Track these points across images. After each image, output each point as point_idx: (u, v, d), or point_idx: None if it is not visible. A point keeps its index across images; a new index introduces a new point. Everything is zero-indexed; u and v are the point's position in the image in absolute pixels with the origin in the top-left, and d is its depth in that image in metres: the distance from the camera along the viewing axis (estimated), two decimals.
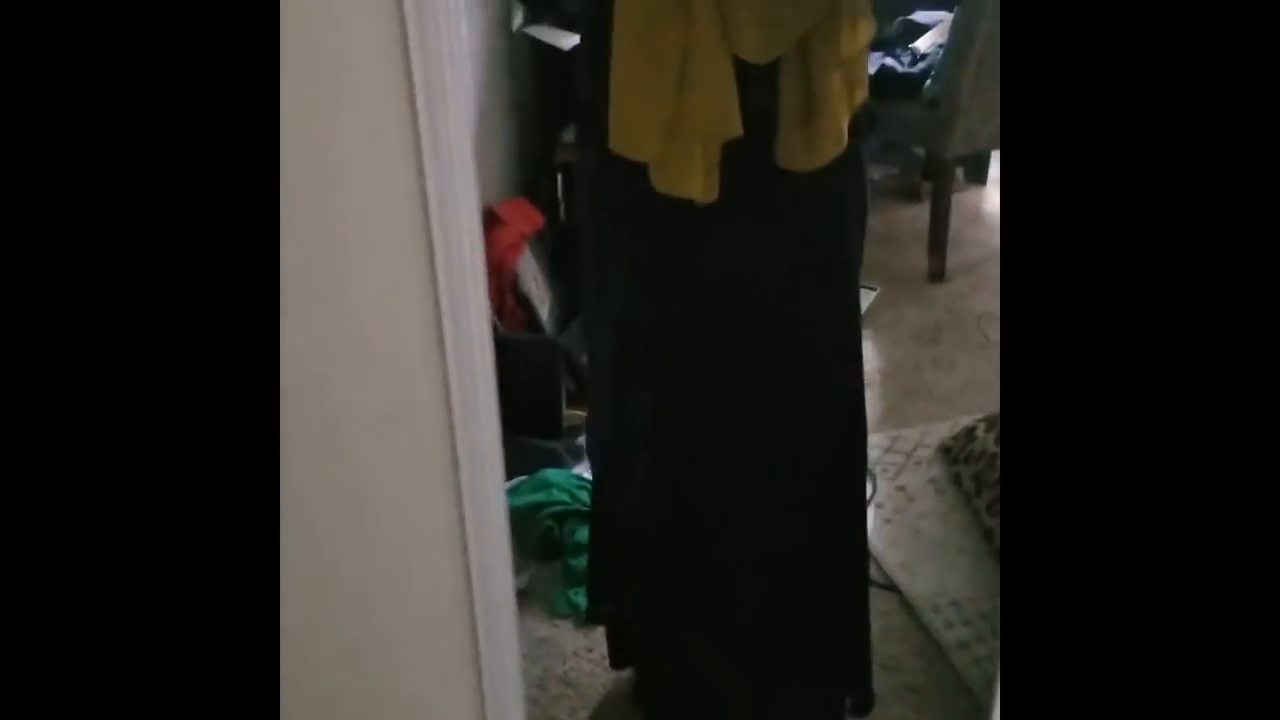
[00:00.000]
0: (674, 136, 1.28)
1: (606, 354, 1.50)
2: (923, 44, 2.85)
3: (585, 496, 1.85)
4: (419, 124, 0.87)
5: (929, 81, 2.72)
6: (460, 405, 0.98)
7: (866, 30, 1.32)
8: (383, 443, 1.02)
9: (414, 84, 0.83)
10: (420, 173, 0.88)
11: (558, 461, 2.01)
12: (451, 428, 1.00)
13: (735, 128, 1.26)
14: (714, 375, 1.41)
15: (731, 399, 1.43)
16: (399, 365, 0.98)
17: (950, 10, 2.71)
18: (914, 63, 2.80)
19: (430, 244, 0.90)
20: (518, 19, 2.51)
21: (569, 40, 2.42)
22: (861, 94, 1.34)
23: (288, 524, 0.89)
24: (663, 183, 1.30)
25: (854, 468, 1.51)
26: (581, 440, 2.06)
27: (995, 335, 2.51)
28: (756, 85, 1.27)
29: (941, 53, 2.71)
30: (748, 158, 1.28)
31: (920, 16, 2.89)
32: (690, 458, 1.46)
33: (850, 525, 1.52)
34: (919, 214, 3.08)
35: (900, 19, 2.82)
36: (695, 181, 1.29)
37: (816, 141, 1.29)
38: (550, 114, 2.57)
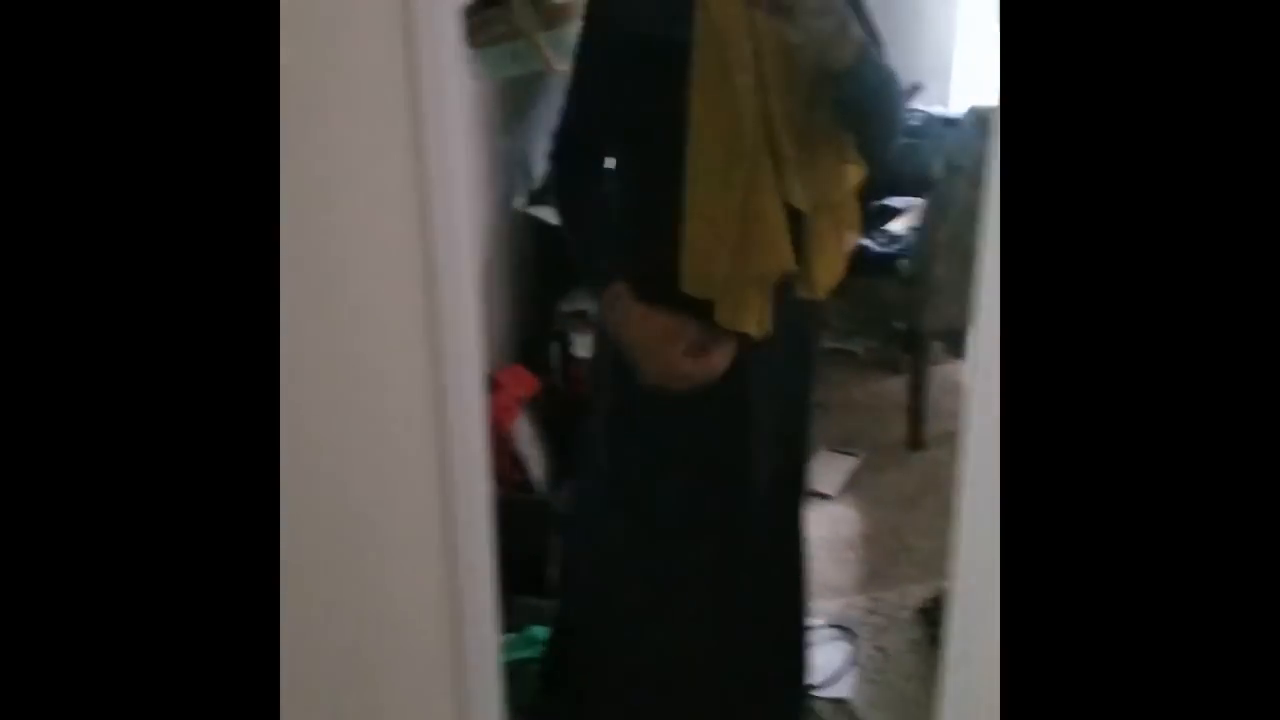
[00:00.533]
0: (734, 277, 1.49)
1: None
2: (897, 226, 3.04)
3: None
4: (436, 294, 0.99)
5: (903, 260, 2.89)
6: (462, 557, 1.07)
7: (855, 175, 1.57)
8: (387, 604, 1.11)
9: (434, 263, 0.96)
10: (432, 343, 1.00)
11: (544, 619, 2.07)
12: (456, 578, 1.09)
13: (790, 262, 1.50)
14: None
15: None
16: (399, 527, 1.08)
17: (922, 196, 2.92)
18: (889, 243, 2.99)
19: (444, 412, 1.01)
20: (520, 200, 2.69)
21: None
22: (856, 235, 1.62)
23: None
24: (726, 319, 1.52)
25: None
26: None
27: None
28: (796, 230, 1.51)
29: (915, 234, 2.90)
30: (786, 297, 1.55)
31: (894, 201, 3.10)
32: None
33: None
34: (899, 386, 3.21)
35: (876, 203, 3.01)
36: (755, 316, 1.52)
37: (823, 276, 1.56)
38: (548, 287, 2.73)
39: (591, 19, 1.58)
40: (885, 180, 3.09)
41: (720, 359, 1.53)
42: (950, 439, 3.11)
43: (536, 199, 2.72)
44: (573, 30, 2.29)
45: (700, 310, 1.52)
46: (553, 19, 2.29)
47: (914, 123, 3.14)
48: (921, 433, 3.01)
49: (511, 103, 2.63)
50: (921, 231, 2.86)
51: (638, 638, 1.72)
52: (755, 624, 1.74)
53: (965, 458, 1.02)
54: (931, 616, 2.20)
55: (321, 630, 1.15)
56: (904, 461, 2.93)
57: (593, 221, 1.60)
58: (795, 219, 1.50)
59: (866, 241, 3.00)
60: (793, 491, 1.72)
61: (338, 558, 1.14)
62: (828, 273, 1.56)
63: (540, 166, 2.79)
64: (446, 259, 0.97)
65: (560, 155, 1.63)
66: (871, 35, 1.50)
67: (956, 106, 3.32)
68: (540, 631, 1.97)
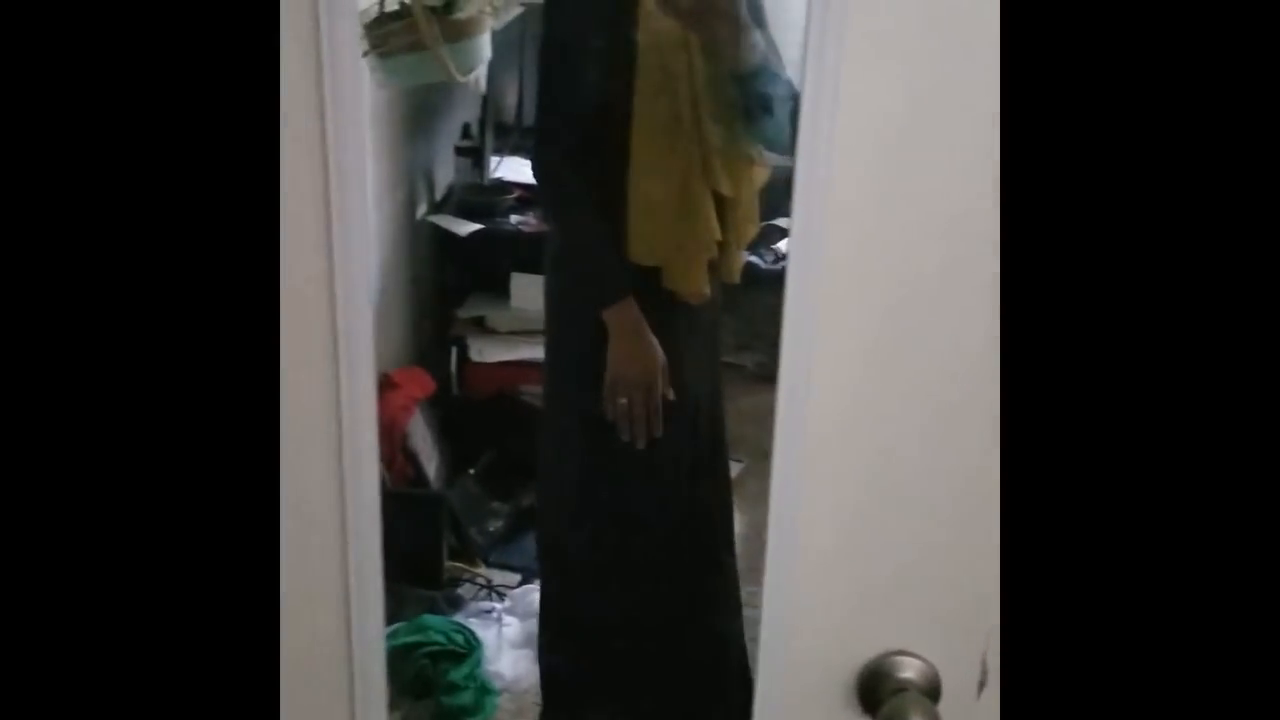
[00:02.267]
0: (678, 246, 1.74)
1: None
2: (784, 245, 3.20)
3: (460, 639, 2.00)
4: (334, 293, 1.08)
5: None
6: (354, 549, 1.16)
7: (763, 175, 1.84)
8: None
9: (334, 265, 1.05)
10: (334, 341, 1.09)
11: (436, 610, 2.16)
12: (345, 564, 1.17)
13: (718, 235, 1.75)
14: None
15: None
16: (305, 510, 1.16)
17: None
18: (776, 261, 3.15)
19: (338, 405, 1.10)
20: (421, 208, 2.78)
21: (466, 227, 2.69)
22: (756, 230, 1.90)
23: None
24: (673, 283, 1.76)
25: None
26: (460, 590, 2.22)
27: None
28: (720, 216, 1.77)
29: None
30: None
31: (782, 221, 3.26)
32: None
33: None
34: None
35: (764, 223, 3.16)
36: (695, 280, 1.76)
37: (736, 268, 1.85)
38: (447, 293, 2.82)
39: (550, 25, 1.79)
40: (774, 201, 3.27)
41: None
42: None
43: (437, 208, 2.81)
44: (476, 43, 2.40)
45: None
46: (455, 33, 2.38)
47: None
48: None
49: (417, 115, 2.71)
50: None
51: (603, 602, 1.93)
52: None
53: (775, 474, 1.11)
54: None
55: None
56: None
57: (594, 224, 1.78)
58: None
59: (754, 259, 3.15)
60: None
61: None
62: (738, 260, 1.84)
63: (443, 175, 2.88)
64: (345, 259, 1.06)
65: (545, 164, 1.83)
66: (771, 44, 1.72)
67: None
68: (430, 620, 2.06)
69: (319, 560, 1.19)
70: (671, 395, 1.77)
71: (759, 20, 1.71)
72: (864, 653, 1.12)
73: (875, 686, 1.07)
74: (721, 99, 1.70)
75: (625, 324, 1.73)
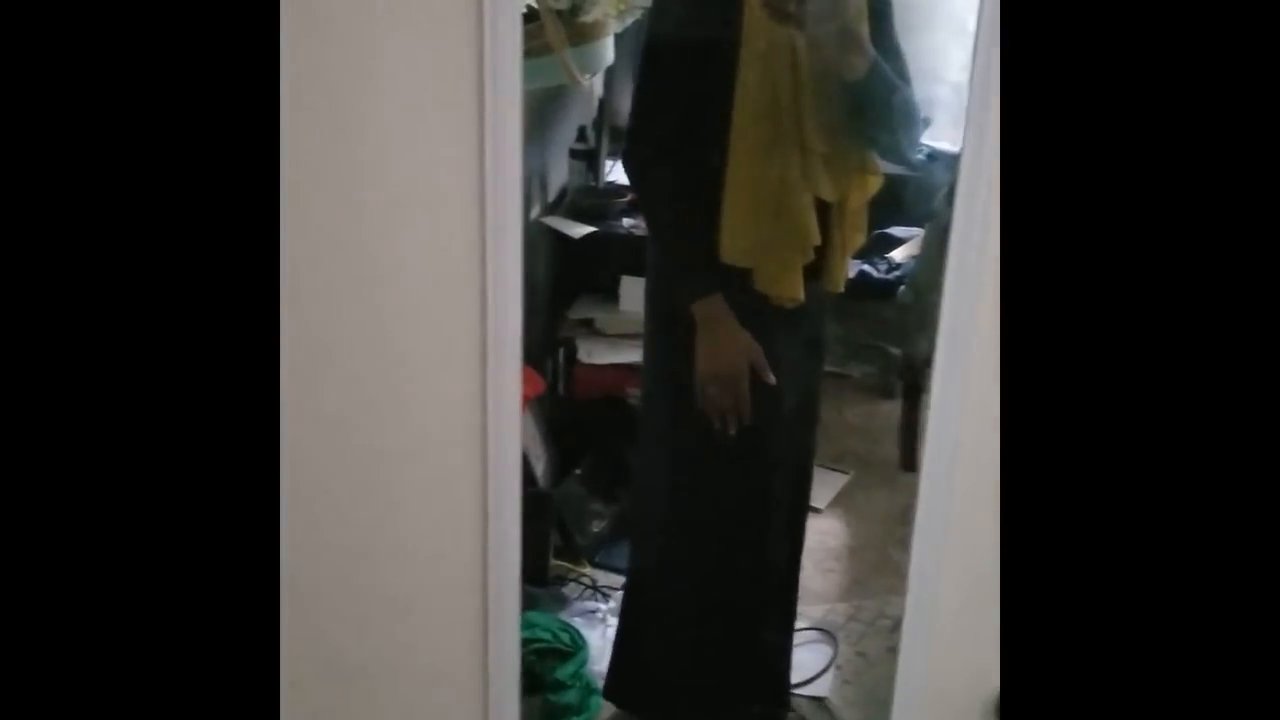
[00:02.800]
0: (772, 248, 1.72)
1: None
2: (898, 254, 3.15)
3: (567, 638, 2.01)
4: (486, 293, 1.09)
5: (903, 288, 2.99)
6: (492, 541, 1.17)
7: (873, 185, 1.79)
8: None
9: (486, 274, 1.06)
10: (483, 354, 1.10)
11: (542, 607, 2.17)
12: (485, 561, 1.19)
13: (817, 238, 1.71)
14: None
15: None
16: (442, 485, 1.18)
17: (923, 226, 3.02)
18: (889, 271, 3.10)
19: (484, 399, 1.11)
20: (535, 210, 2.79)
21: (579, 230, 2.70)
22: (862, 241, 1.85)
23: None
24: (764, 284, 1.73)
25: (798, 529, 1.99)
26: (565, 589, 2.23)
27: None
28: (823, 222, 1.73)
29: (915, 262, 3.00)
30: (812, 279, 1.76)
31: (896, 231, 3.21)
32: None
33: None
34: (893, 409, 3.30)
35: (877, 231, 3.11)
36: (789, 283, 1.72)
37: (840, 277, 1.81)
38: (558, 294, 2.83)
39: (654, 27, 1.82)
40: (888, 210, 3.22)
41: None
42: None
43: (551, 210, 2.82)
44: (599, 46, 2.41)
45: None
46: (579, 36, 2.39)
47: (919, 156, 3.25)
48: (914, 455, 3.11)
49: (534, 118, 2.73)
50: (921, 260, 2.97)
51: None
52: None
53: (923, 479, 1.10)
54: None
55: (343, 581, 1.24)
56: (893, 481, 3.02)
57: (685, 220, 1.78)
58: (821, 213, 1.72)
59: (867, 268, 3.10)
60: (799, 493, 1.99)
61: (372, 529, 1.24)
62: (842, 269, 1.80)
63: (557, 178, 2.89)
64: (498, 258, 1.07)
65: (636, 160, 1.82)
66: (894, 55, 1.70)
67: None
68: (537, 617, 2.07)
69: (460, 552, 1.20)
70: (771, 379, 1.74)
71: (881, 28, 1.68)
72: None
73: None
74: (827, 104, 1.68)
75: (713, 318, 1.72)
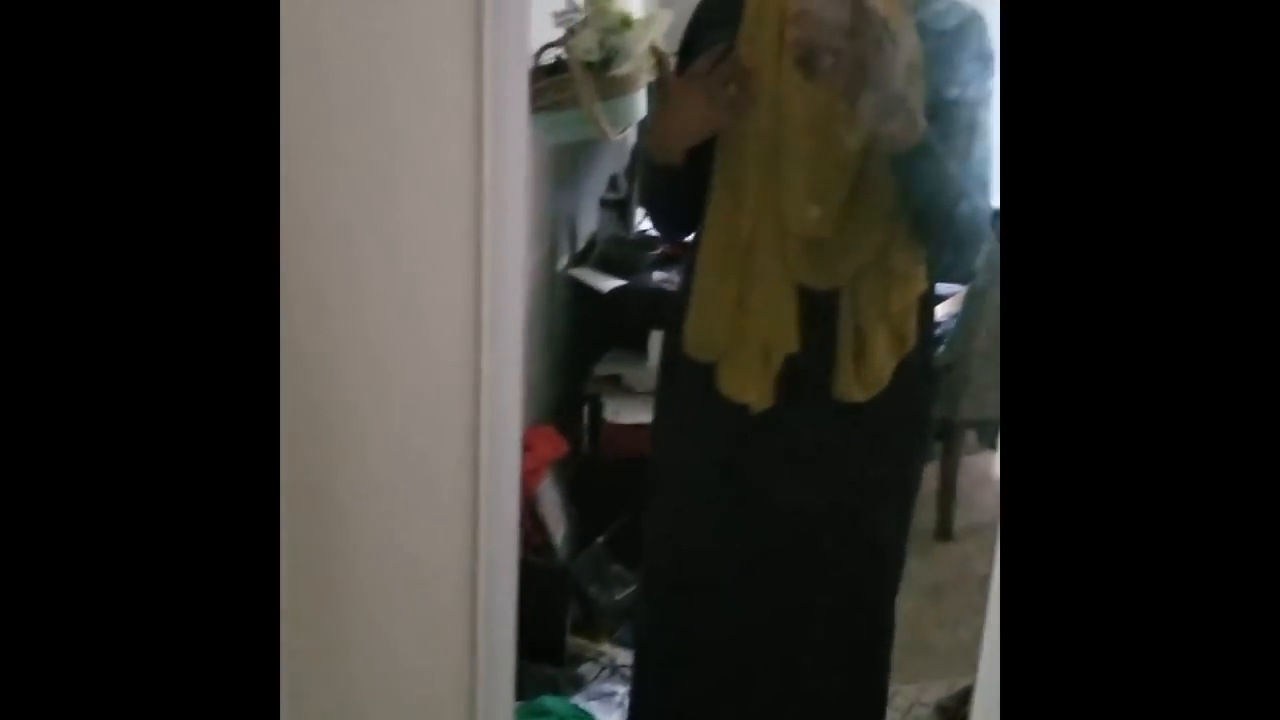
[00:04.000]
0: (738, 344, 1.42)
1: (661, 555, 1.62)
2: (938, 312, 3.03)
3: None
4: (481, 345, 0.99)
5: (942, 348, 2.87)
6: (484, 617, 1.05)
7: (916, 287, 1.45)
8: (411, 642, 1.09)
9: (480, 318, 0.96)
10: (476, 399, 1.00)
11: (557, 689, 2.04)
12: (475, 643, 1.07)
13: (791, 344, 1.40)
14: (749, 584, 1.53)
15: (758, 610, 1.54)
16: (430, 570, 1.07)
17: (963, 284, 2.91)
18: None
19: (476, 465, 1.00)
20: (563, 260, 2.71)
21: (608, 283, 2.61)
22: (907, 346, 1.46)
23: None
24: (725, 386, 1.44)
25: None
26: (582, 669, 2.10)
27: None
28: (825, 315, 1.41)
29: (955, 321, 2.88)
30: (813, 377, 1.43)
31: (937, 288, 3.09)
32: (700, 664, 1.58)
33: None
34: (929, 473, 3.17)
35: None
36: (753, 388, 1.42)
37: (863, 379, 1.42)
38: (584, 348, 2.74)
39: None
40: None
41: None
42: (979, 532, 3.07)
43: (578, 261, 2.74)
44: (631, 100, 2.33)
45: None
46: (611, 90, 2.32)
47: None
48: (950, 523, 2.97)
49: (563, 166, 2.66)
50: (961, 319, 2.85)
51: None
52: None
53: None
54: (950, 714, 2.14)
55: (330, 685, 1.14)
56: (930, 552, 2.88)
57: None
58: (856, 322, 1.40)
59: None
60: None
61: (358, 611, 1.14)
62: (855, 373, 1.42)
63: (586, 226, 2.81)
64: (495, 315, 0.97)
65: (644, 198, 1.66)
66: (966, 132, 1.36)
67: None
68: (552, 702, 1.94)
69: (446, 634, 1.10)
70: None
71: (943, 95, 1.33)
72: None
73: None
74: (827, 177, 1.34)
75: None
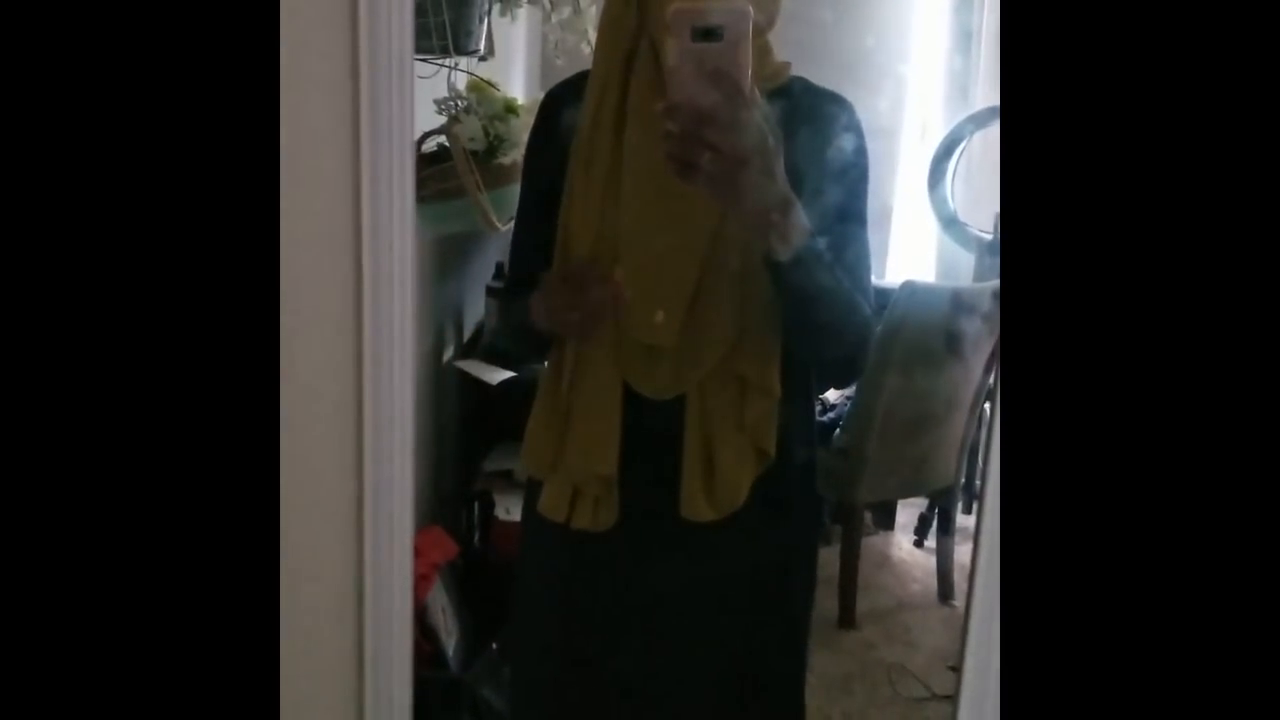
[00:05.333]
0: (560, 463, 1.29)
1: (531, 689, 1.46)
2: (832, 395, 3.02)
3: None
4: (364, 446, 0.90)
5: (837, 431, 2.85)
6: None
7: (771, 395, 1.29)
8: None
9: (363, 417, 0.87)
10: (359, 506, 0.90)
11: None
12: None
13: (605, 467, 1.25)
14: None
15: None
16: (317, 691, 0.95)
17: (851, 383, 2.91)
18: (823, 412, 2.95)
19: (361, 584, 0.90)
20: (448, 352, 2.61)
21: (497, 375, 2.52)
22: (767, 458, 1.31)
23: None
24: (544, 505, 1.30)
25: None
26: None
27: (904, 689, 2.50)
28: (665, 429, 1.28)
29: (850, 404, 2.87)
30: (658, 496, 1.29)
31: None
32: None
33: None
34: (828, 558, 3.13)
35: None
36: (572, 509, 1.29)
37: (713, 496, 1.27)
38: (472, 443, 2.63)
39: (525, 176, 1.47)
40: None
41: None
42: (881, 617, 3.03)
43: (465, 352, 2.65)
44: (514, 190, 2.27)
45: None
46: (495, 180, 2.26)
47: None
48: (853, 610, 2.92)
49: (448, 255, 2.58)
50: (856, 401, 2.83)
51: None
52: None
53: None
54: None
55: None
56: (833, 641, 2.82)
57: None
58: (704, 435, 1.27)
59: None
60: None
61: None
62: (710, 493, 1.28)
63: (472, 315, 2.73)
64: (379, 414, 0.88)
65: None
66: (848, 238, 1.28)
67: (891, 278, 3.37)
68: None
69: None
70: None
71: (817, 190, 1.23)
72: None
73: None
74: (677, 282, 1.23)
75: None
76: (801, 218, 1.17)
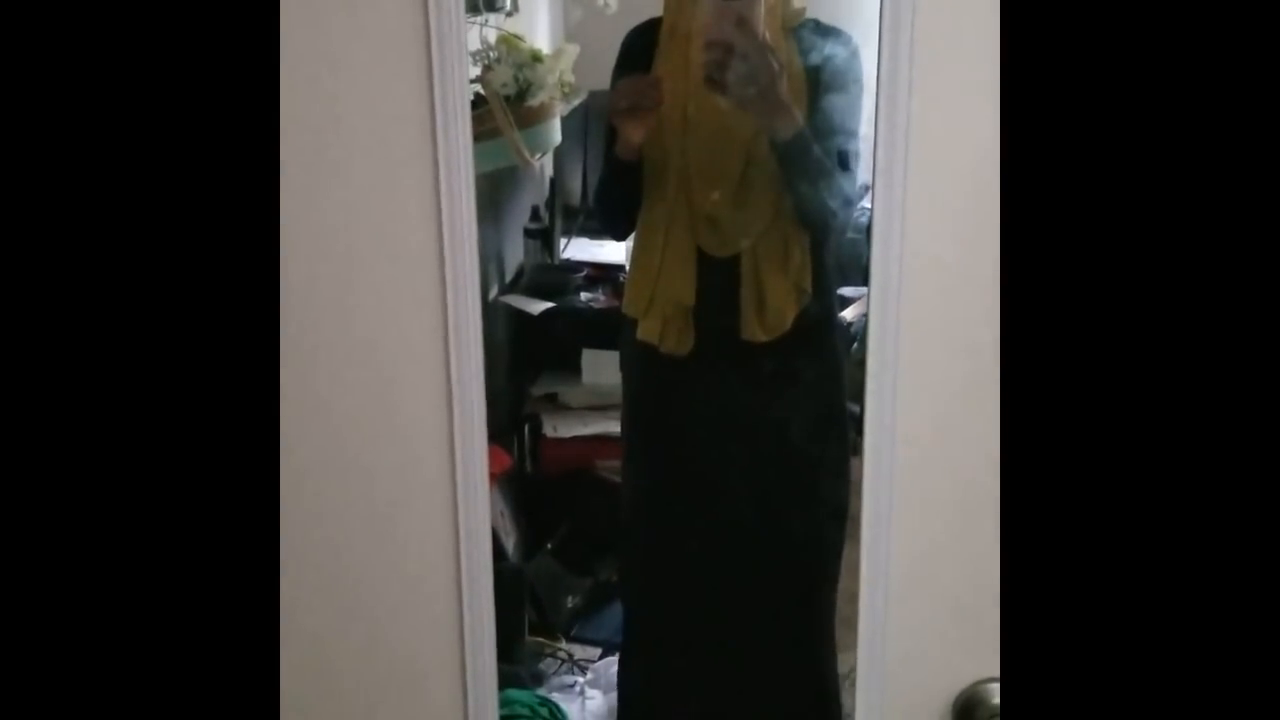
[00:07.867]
0: (654, 301, 1.89)
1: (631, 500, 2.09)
2: (849, 314, 3.22)
3: (545, 712, 2.02)
4: (450, 365, 1.13)
5: (855, 345, 3.06)
6: (469, 610, 1.19)
7: (806, 246, 1.90)
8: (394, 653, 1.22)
9: (449, 352, 1.10)
10: (449, 414, 1.13)
11: (519, 683, 2.18)
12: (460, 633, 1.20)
13: (689, 298, 1.87)
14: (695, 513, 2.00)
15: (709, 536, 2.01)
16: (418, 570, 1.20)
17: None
18: (847, 327, 3.16)
19: (453, 475, 1.14)
20: (494, 289, 2.85)
21: (538, 306, 2.76)
22: (806, 297, 1.94)
23: None
24: (641, 332, 1.92)
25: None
26: (542, 665, 2.25)
27: None
28: (728, 276, 1.86)
29: (864, 321, 3.07)
30: (724, 326, 1.90)
31: (846, 291, 3.28)
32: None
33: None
34: (853, 466, 3.33)
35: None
36: (663, 333, 1.89)
37: (765, 322, 1.88)
38: (520, 371, 2.87)
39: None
40: (836, 272, 3.31)
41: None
42: None
43: (508, 289, 2.88)
44: (545, 128, 2.48)
45: None
46: (527, 119, 2.47)
47: (863, 219, 3.33)
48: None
49: (486, 198, 2.79)
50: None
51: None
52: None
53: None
54: None
55: (323, 676, 1.26)
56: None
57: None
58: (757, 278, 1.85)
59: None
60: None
61: (344, 612, 1.26)
62: (762, 320, 1.88)
63: (513, 257, 2.95)
64: (459, 336, 1.11)
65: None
66: (836, 134, 1.78)
67: None
68: (516, 694, 2.08)
69: (437, 632, 1.22)
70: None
71: (826, 105, 1.79)
72: (959, 681, 1.15)
73: (971, 713, 1.12)
74: (722, 163, 1.82)
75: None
76: (796, 116, 1.75)
